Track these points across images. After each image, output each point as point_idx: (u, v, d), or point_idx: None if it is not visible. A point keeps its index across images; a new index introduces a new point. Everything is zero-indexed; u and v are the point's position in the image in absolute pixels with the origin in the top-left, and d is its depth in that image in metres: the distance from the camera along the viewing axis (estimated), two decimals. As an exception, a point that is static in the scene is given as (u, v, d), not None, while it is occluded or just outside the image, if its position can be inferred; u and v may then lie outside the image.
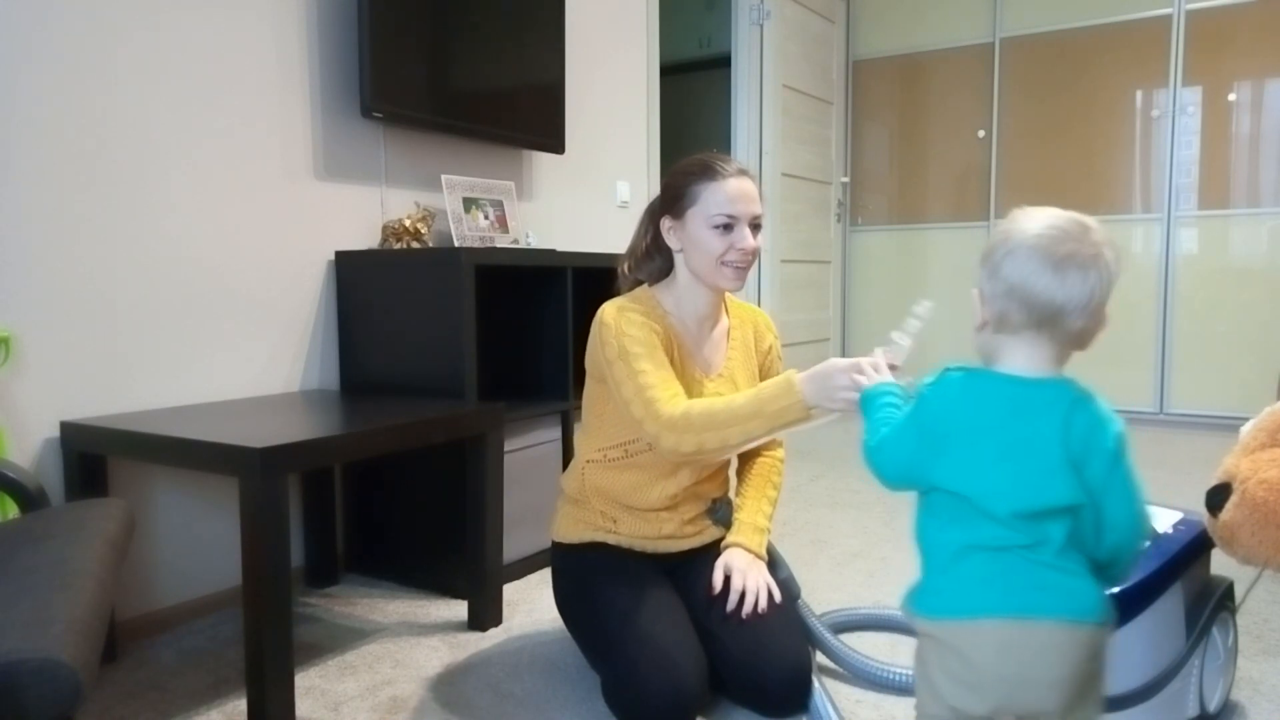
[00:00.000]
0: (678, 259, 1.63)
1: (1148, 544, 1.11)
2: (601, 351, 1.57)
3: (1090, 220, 0.99)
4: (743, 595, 1.53)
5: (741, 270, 1.57)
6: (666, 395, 1.48)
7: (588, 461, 1.68)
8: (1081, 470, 0.97)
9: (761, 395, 1.40)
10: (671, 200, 1.60)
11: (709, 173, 1.56)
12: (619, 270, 1.72)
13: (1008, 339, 1.01)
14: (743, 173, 1.58)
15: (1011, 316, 0.99)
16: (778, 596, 1.57)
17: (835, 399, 1.33)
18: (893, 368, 1.30)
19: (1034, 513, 0.96)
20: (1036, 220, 0.99)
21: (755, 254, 1.58)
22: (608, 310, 1.59)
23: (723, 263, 1.55)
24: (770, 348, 1.76)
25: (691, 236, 1.57)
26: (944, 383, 1.04)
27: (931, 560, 1.03)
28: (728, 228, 1.54)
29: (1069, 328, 0.97)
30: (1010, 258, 0.98)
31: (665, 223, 1.61)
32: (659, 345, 1.55)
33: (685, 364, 1.62)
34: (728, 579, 1.56)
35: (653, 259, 1.68)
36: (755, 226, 1.58)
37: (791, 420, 1.38)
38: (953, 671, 0.97)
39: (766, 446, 1.77)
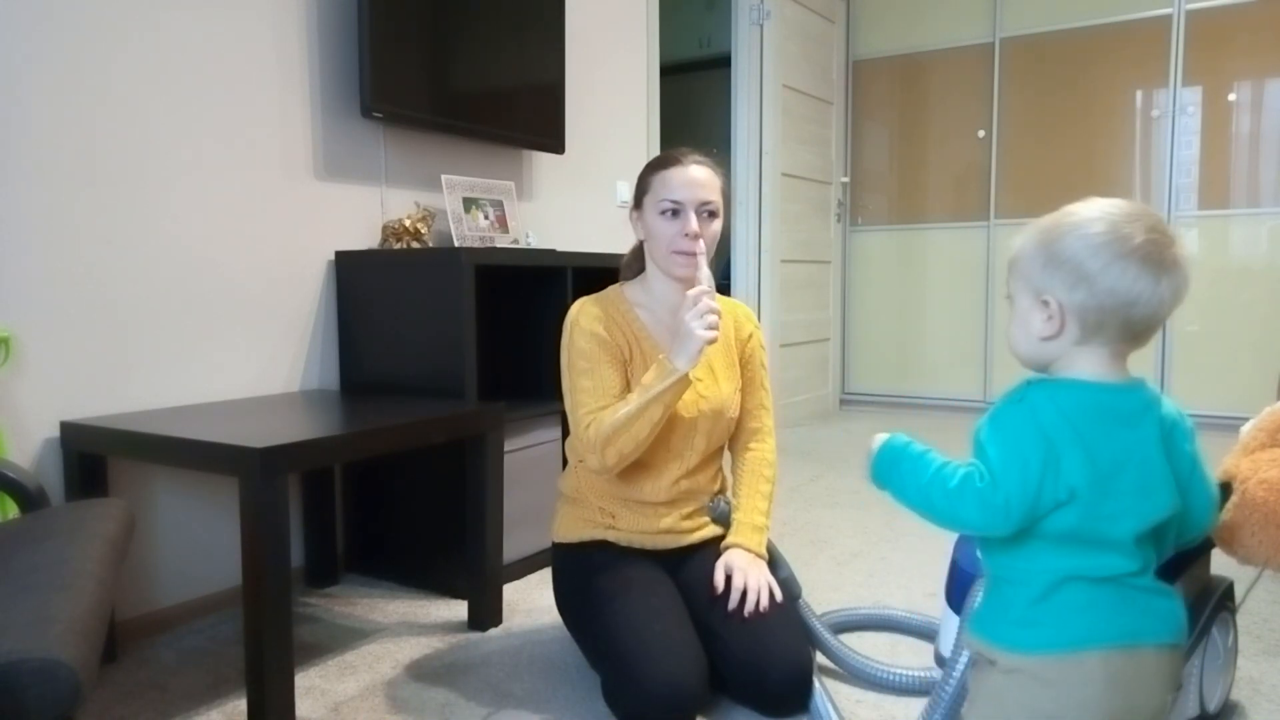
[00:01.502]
0: (645, 250, 1.68)
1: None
2: (562, 352, 1.65)
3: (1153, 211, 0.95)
4: (744, 594, 1.54)
5: (689, 256, 1.58)
6: (589, 419, 1.55)
7: (580, 460, 1.69)
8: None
9: (646, 385, 1.51)
10: (637, 194, 1.66)
11: (665, 162, 1.62)
12: (620, 270, 1.77)
13: (1081, 346, 0.94)
14: (700, 163, 1.61)
15: (1109, 327, 0.92)
16: (779, 595, 1.57)
17: (699, 336, 1.44)
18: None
19: (1151, 529, 0.90)
20: (1131, 221, 0.91)
21: (706, 240, 1.59)
22: (573, 310, 1.66)
23: (671, 249, 1.59)
24: (751, 335, 1.76)
25: (647, 225, 1.63)
26: (1034, 396, 0.94)
27: (1020, 591, 0.95)
28: (675, 213, 1.58)
29: (1154, 331, 0.93)
30: (1114, 267, 0.90)
31: (632, 215, 1.68)
32: (608, 353, 1.60)
33: (653, 355, 1.62)
34: (729, 579, 1.56)
35: (640, 257, 1.73)
36: (711, 214, 1.60)
37: (680, 389, 1.51)
38: (1042, 710, 0.91)
39: (753, 438, 1.75)
